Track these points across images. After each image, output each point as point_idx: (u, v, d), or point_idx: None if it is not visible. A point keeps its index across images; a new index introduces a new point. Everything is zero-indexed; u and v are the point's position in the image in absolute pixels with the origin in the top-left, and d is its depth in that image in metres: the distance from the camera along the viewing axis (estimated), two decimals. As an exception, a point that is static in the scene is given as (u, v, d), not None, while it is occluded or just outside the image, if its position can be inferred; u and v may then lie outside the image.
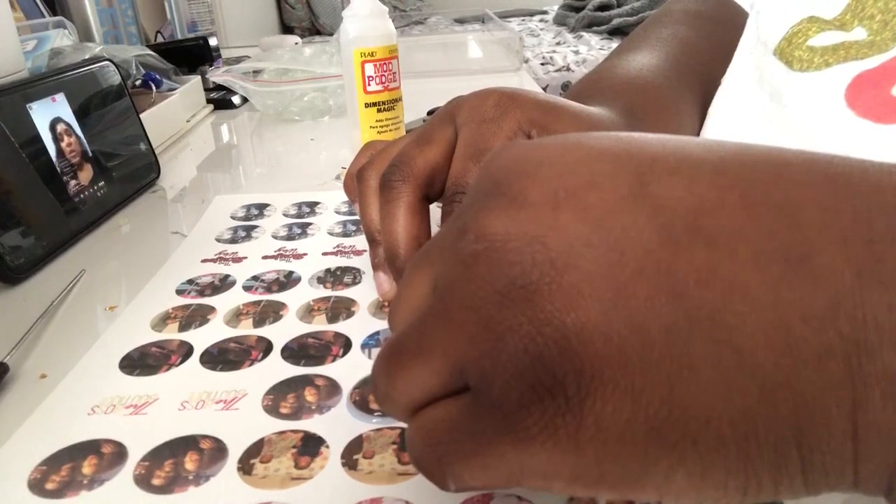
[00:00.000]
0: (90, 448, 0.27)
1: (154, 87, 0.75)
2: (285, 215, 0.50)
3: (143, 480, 0.25)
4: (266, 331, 0.35)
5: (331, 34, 2.19)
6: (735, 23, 0.42)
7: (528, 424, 0.15)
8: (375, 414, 0.28)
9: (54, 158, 0.48)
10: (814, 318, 0.14)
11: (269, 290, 0.39)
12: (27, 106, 0.47)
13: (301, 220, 0.49)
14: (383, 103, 0.59)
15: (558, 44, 2.25)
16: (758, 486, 0.15)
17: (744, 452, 0.14)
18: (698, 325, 0.14)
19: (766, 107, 0.35)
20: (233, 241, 0.46)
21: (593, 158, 0.17)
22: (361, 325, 0.35)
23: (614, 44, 2.12)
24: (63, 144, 0.49)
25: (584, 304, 0.15)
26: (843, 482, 0.15)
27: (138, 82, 0.75)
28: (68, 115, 0.51)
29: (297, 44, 1.20)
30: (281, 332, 0.34)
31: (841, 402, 0.14)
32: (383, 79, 0.58)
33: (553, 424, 0.15)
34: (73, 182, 0.49)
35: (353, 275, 0.40)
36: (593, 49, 2.08)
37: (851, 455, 0.14)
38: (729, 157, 0.16)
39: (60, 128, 0.50)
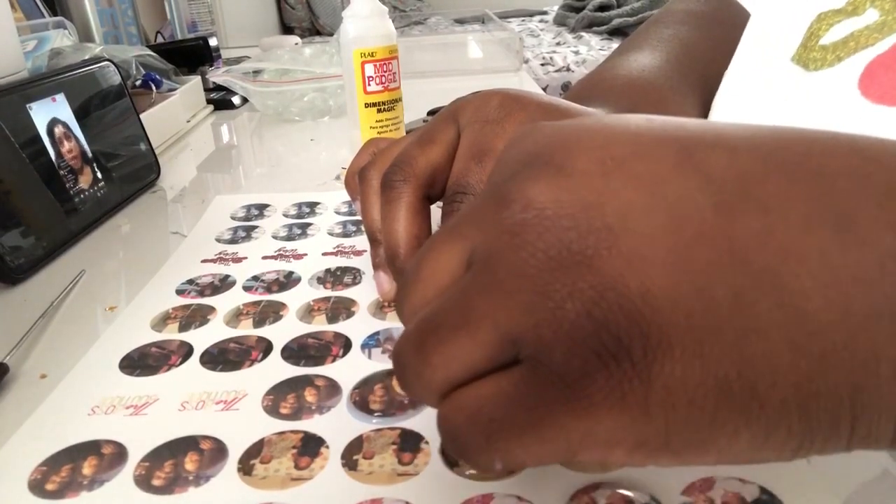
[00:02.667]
0: (90, 448, 0.27)
1: (154, 88, 0.75)
2: (285, 215, 0.50)
3: (143, 481, 0.25)
4: (266, 331, 0.35)
5: (331, 34, 2.19)
6: (736, 23, 0.42)
7: (592, 392, 0.15)
8: (375, 414, 0.28)
9: (54, 159, 0.48)
10: (863, 280, 0.14)
11: (269, 290, 0.39)
12: (27, 106, 0.47)
13: (301, 221, 0.49)
14: (383, 103, 0.59)
15: (558, 44, 2.25)
16: (810, 446, 0.15)
17: (805, 414, 0.14)
18: (761, 287, 0.14)
19: (777, 106, 0.35)
20: (233, 241, 0.46)
21: (633, 132, 0.17)
22: (361, 326, 0.35)
23: (614, 44, 2.12)
24: (62, 147, 0.49)
25: (647, 269, 0.15)
26: (882, 441, 0.15)
27: (138, 82, 0.75)
28: (68, 115, 0.51)
29: (297, 44, 1.20)
30: (281, 333, 0.34)
31: (891, 361, 0.14)
32: (383, 79, 0.58)
33: (620, 390, 0.15)
34: (72, 182, 0.49)
35: (353, 275, 0.40)
36: (593, 49, 2.08)
37: None
38: (761, 133, 0.17)
39: (59, 131, 0.50)
